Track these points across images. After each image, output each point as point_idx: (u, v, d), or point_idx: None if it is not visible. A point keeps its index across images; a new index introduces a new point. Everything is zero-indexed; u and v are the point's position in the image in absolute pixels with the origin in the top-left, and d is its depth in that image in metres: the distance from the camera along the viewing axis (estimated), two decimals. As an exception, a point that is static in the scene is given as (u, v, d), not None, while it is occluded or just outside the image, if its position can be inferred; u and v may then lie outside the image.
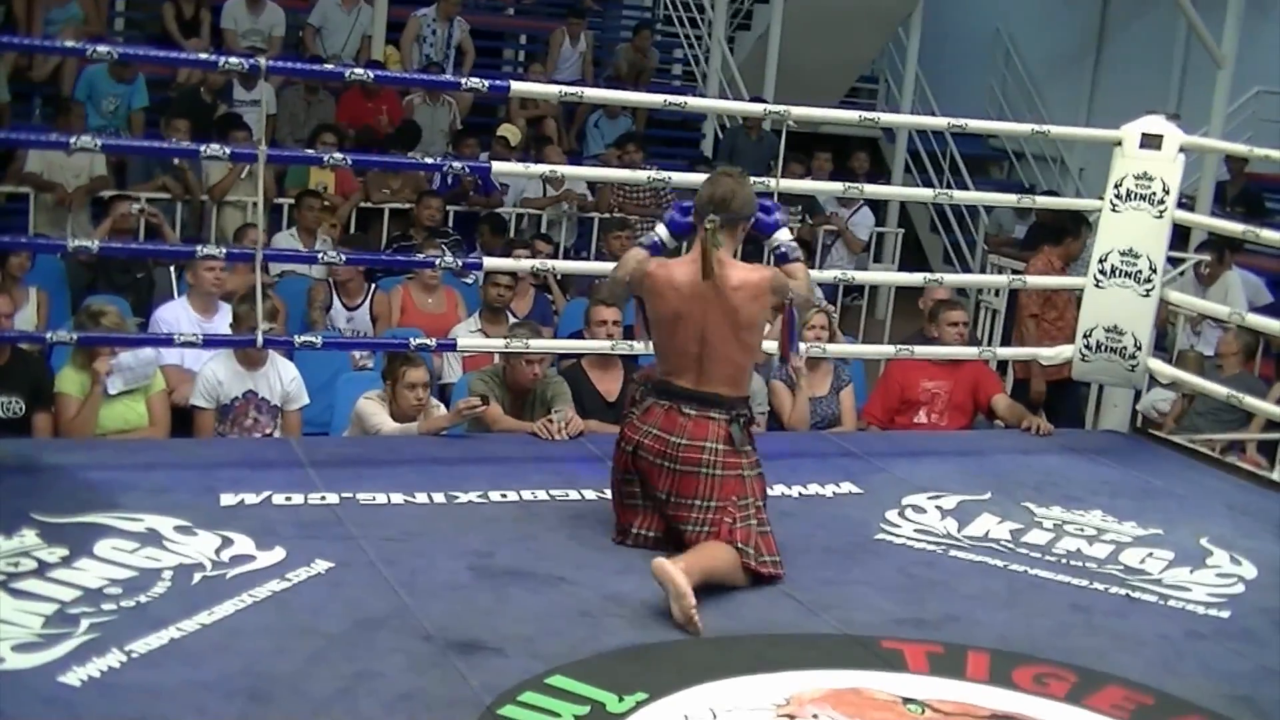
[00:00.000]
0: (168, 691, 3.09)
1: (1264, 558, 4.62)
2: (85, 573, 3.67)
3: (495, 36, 12.77)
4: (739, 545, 3.97)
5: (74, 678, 3.11)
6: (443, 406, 5.75)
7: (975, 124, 6.52)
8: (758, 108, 7.04)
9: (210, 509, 4.25)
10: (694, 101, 7.66)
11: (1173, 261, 7.64)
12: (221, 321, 6.24)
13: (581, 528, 4.35)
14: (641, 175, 6.34)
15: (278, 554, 3.92)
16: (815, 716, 3.23)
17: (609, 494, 4.36)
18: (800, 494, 4.94)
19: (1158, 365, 6.03)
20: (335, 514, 4.33)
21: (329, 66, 8.33)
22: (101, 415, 5.44)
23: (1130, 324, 5.83)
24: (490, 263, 6.17)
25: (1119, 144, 5.86)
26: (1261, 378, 7.73)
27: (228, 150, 5.28)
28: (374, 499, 4.50)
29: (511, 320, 6.79)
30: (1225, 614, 4.13)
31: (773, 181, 5.46)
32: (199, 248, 5.67)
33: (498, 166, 6.50)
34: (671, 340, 4.15)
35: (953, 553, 4.47)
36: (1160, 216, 5.74)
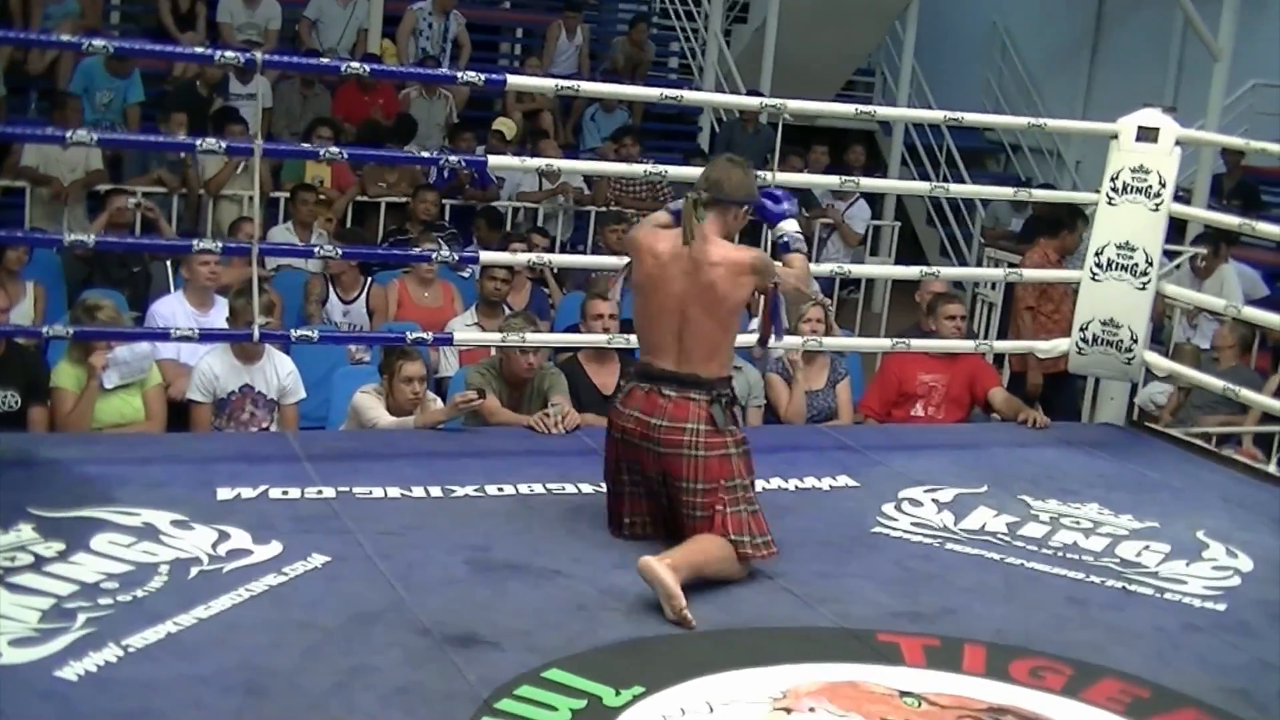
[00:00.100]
0: (164, 686, 3.09)
1: (1260, 550, 4.62)
2: (82, 567, 3.66)
3: (491, 30, 12.76)
4: (732, 536, 3.95)
5: (70, 672, 3.11)
6: (439, 400, 5.75)
7: (972, 117, 6.51)
8: (754, 101, 7.02)
9: (206, 503, 4.25)
10: (690, 95, 7.65)
11: (1169, 255, 7.63)
12: (217, 315, 6.24)
13: (578, 521, 4.35)
14: (638, 169, 6.33)
15: (274, 548, 3.92)
16: (812, 710, 3.23)
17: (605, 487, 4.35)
18: (797, 487, 4.95)
19: (1154, 358, 6.03)
20: (332, 508, 4.33)
21: (325, 60, 8.32)
22: (97, 409, 5.44)
23: (1126, 317, 5.84)
24: (487, 256, 6.17)
25: (1115, 137, 5.86)
26: (1258, 370, 7.73)
27: (223, 144, 5.27)
28: (370, 493, 4.50)
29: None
30: (1221, 607, 4.13)
31: (769, 175, 5.46)
32: (195, 242, 5.67)
33: (494, 160, 6.50)
34: (650, 319, 4.12)
35: (949, 546, 4.48)
36: (1157, 210, 5.74)
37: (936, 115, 7.05)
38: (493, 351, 5.81)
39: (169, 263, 7.52)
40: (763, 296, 4.36)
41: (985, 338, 7.94)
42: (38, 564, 3.65)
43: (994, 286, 8.87)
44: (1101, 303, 5.88)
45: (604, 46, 12.31)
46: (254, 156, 5.09)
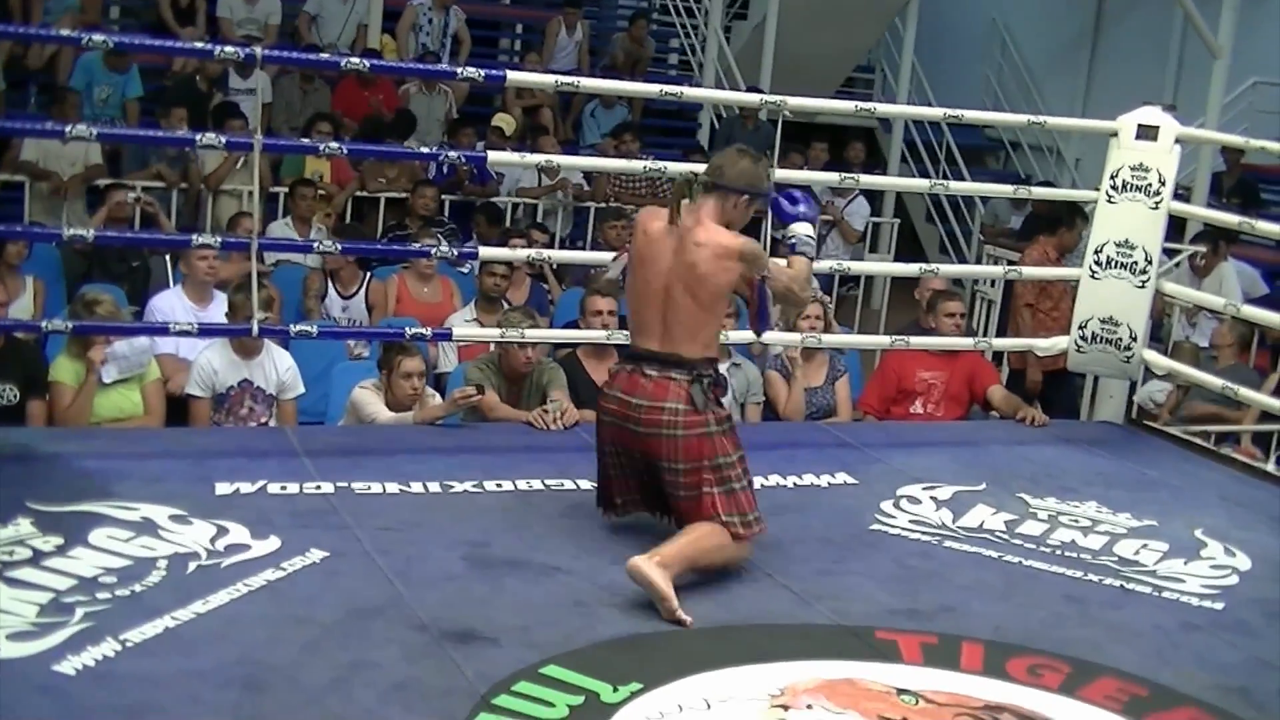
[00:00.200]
0: (162, 680, 3.09)
1: (1258, 549, 4.62)
2: (80, 561, 3.66)
3: (491, 26, 12.76)
4: (723, 517, 3.90)
5: (69, 666, 3.11)
6: (438, 396, 5.75)
7: (971, 114, 6.51)
8: (754, 98, 7.02)
9: (205, 498, 4.25)
10: (690, 91, 7.65)
11: (1168, 253, 7.64)
12: (216, 310, 6.24)
13: (577, 518, 4.35)
14: (637, 165, 6.33)
15: (273, 543, 3.92)
16: (809, 707, 3.23)
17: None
18: (795, 484, 4.95)
19: (1153, 357, 6.03)
20: (330, 503, 4.33)
21: (325, 56, 8.31)
22: (96, 404, 5.44)
23: (1126, 315, 5.84)
24: (486, 252, 6.16)
25: (1115, 135, 5.86)
26: (1256, 369, 7.74)
27: (223, 139, 5.27)
28: (369, 488, 4.50)
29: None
30: (1219, 605, 4.13)
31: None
32: (195, 237, 5.66)
33: (493, 156, 6.50)
34: (638, 298, 4.08)
35: (947, 543, 4.48)
36: (1156, 208, 5.74)
37: (936, 112, 7.04)
38: (491, 347, 5.81)
39: (168, 258, 7.52)
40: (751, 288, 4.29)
41: (984, 335, 7.94)
42: (36, 558, 3.65)
43: (993, 284, 8.88)
44: (1101, 301, 5.88)
45: (604, 42, 12.31)
46: (254, 151, 5.09)
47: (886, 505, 4.77)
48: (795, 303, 4.64)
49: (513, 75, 5.89)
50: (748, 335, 5.80)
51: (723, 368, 6.00)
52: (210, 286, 6.43)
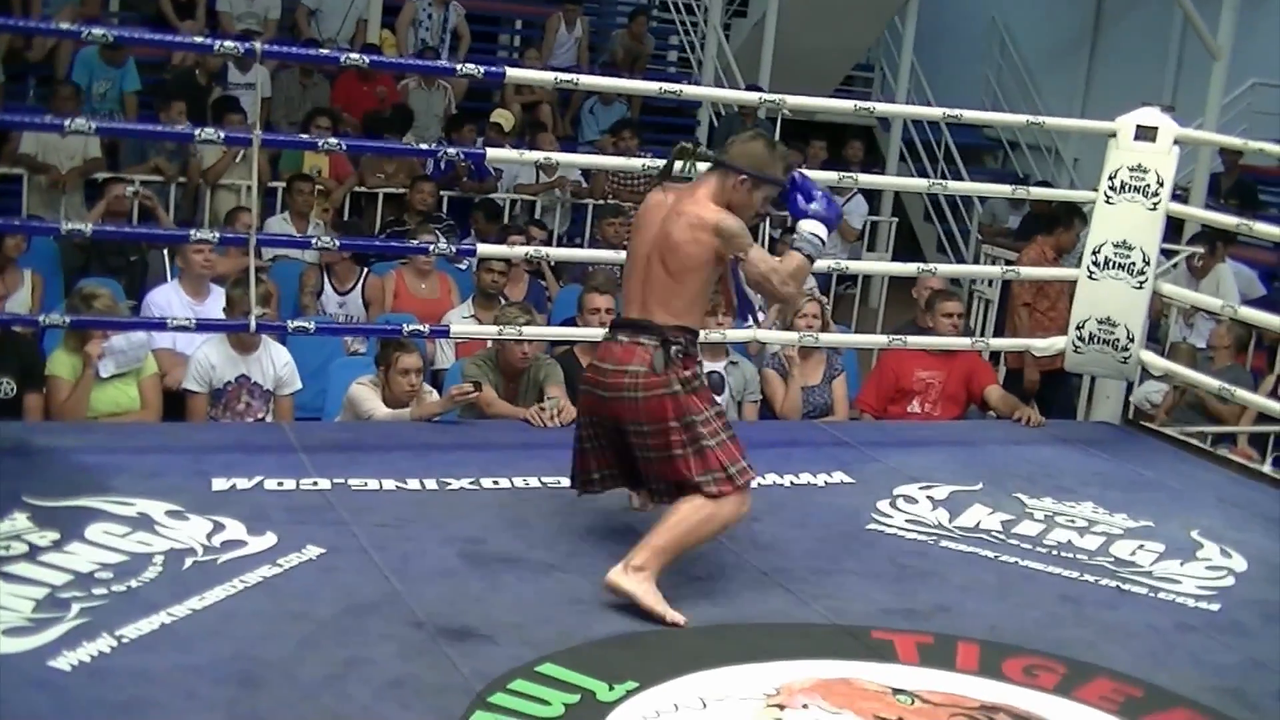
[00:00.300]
0: (158, 676, 3.09)
1: (1254, 551, 4.63)
2: (76, 557, 3.66)
3: (491, 21, 12.75)
4: (696, 478, 3.75)
5: (64, 662, 3.10)
6: (435, 392, 5.75)
7: (970, 114, 6.50)
8: (753, 96, 7.02)
9: (202, 493, 4.24)
10: (689, 89, 7.64)
11: (1166, 254, 7.64)
12: (213, 305, 6.24)
13: (573, 515, 4.34)
14: (636, 163, 6.32)
15: (269, 539, 3.92)
16: (805, 706, 3.23)
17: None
18: (792, 483, 4.95)
19: (1150, 357, 6.03)
20: (327, 499, 4.33)
21: (324, 50, 8.31)
22: (93, 398, 5.43)
23: (1123, 316, 5.84)
24: (484, 249, 6.16)
25: (1114, 135, 5.86)
26: (1253, 370, 7.74)
27: (222, 134, 5.27)
28: (366, 485, 4.50)
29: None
30: (1215, 607, 4.13)
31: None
32: (193, 231, 5.65)
33: (492, 152, 6.49)
34: (627, 267, 4.03)
35: (944, 543, 4.48)
36: (1154, 209, 5.74)
37: (935, 112, 7.04)
38: (489, 344, 5.80)
39: (166, 252, 7.51)
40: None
41: (982, 335, 7.94)
42: (32, 553, 3.65)
43: (991, 284, 8.88)
44: (1098, 301, 5.88)
45: (603, 39, 12.31)
46: (252, 146, 5.09)
47: (883, 504, 4.77)
48: (773, 295, 4.22)
49: (512, 72, 5.88)
50: (747, 334, 5.81)
51: (720, 366, 6.07)
52: (207, 281, 6.42)
